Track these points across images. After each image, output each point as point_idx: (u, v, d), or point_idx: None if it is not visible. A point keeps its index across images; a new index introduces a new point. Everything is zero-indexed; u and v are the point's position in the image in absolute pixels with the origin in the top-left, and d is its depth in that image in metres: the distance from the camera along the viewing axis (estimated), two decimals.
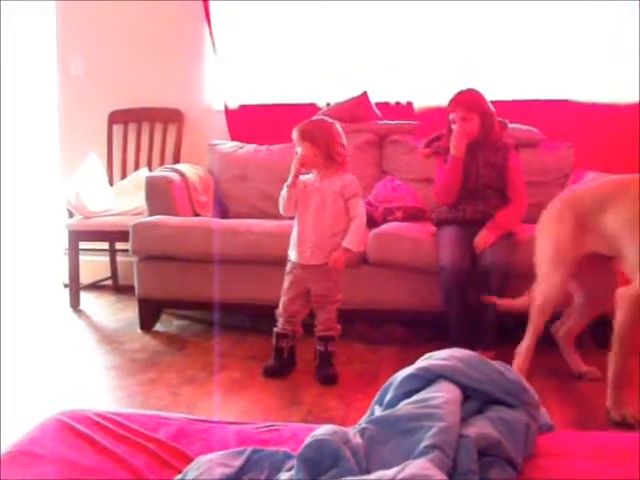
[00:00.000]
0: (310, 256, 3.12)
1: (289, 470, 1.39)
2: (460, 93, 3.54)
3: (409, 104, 4.41)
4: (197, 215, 4.11)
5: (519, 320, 3.60)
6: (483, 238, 3.39)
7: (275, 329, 3.23)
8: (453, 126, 3.54)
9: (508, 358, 1.77)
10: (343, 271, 3.16)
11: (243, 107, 4.61)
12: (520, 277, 3.38)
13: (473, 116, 3.50)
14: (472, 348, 1.74)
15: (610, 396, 2.68)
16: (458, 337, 3.31)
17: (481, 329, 3.35)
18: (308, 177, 3.15)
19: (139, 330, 3.88)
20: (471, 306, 3.35)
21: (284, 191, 3.11)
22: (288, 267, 3.20)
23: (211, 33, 4.55)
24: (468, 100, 3.51)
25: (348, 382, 3.11)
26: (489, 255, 3.33)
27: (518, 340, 3.01)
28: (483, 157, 3.54)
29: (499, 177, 3.55)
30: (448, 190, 3.55)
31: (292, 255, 3.19)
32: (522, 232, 3.50)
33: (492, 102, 3.62)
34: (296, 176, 3.08)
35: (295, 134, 3.10)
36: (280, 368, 3.21)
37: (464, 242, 3.42)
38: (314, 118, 3.35)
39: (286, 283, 3.20)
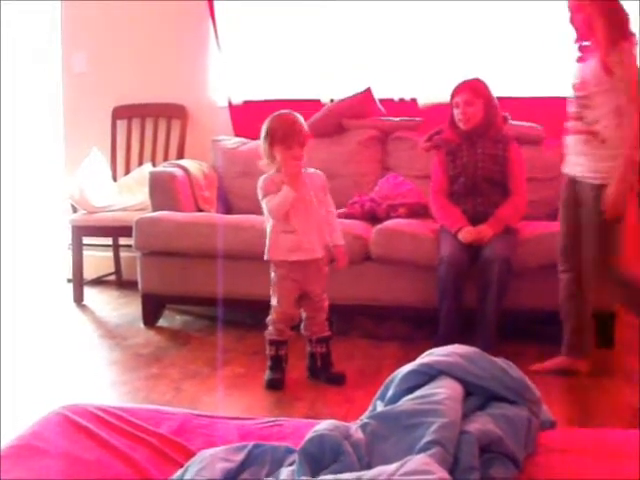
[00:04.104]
0: (311, 250, 3.02)
1: (290, 465, 1.40)
2: (466, 79, 3.55)
3: (413, 100, 4.40)
4: (200, 211, 4.11)
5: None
6: (483, 232, 3.36)
7: (272, 337, 3.07)
8: (455, 110, 3.53)
9: (511, 357, 1.76)
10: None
11: (247, 103, 4.61)
12: (521, 275, 3.39)
13: (478, 101, 3.49)
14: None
15: None
16: (446, 333, 3.28)
17: (481, 328, 3.30)
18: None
19: (142, 325, 3.89)
20: (465, 304, 3.32)
21: (289, 195, 2.96)
22: (280, 272, 3.06)
23: (215, 29, 4.54)
24: (474, 85, 3.52)
25: (350, 378, 3.10)
26: (489, 248, 3.30)
27: (525, 340, 2.99)
28: (483, 148, 3.52)
29: (499, 170, 3.52)
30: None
31: (288, 256, 3.02)
32: (523, 229, 3.50)
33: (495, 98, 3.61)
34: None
35: (305, 135, 2.99)
36: (283, 378, 3.07)
37: None
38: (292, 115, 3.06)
39: (282, 290, 3.05)
